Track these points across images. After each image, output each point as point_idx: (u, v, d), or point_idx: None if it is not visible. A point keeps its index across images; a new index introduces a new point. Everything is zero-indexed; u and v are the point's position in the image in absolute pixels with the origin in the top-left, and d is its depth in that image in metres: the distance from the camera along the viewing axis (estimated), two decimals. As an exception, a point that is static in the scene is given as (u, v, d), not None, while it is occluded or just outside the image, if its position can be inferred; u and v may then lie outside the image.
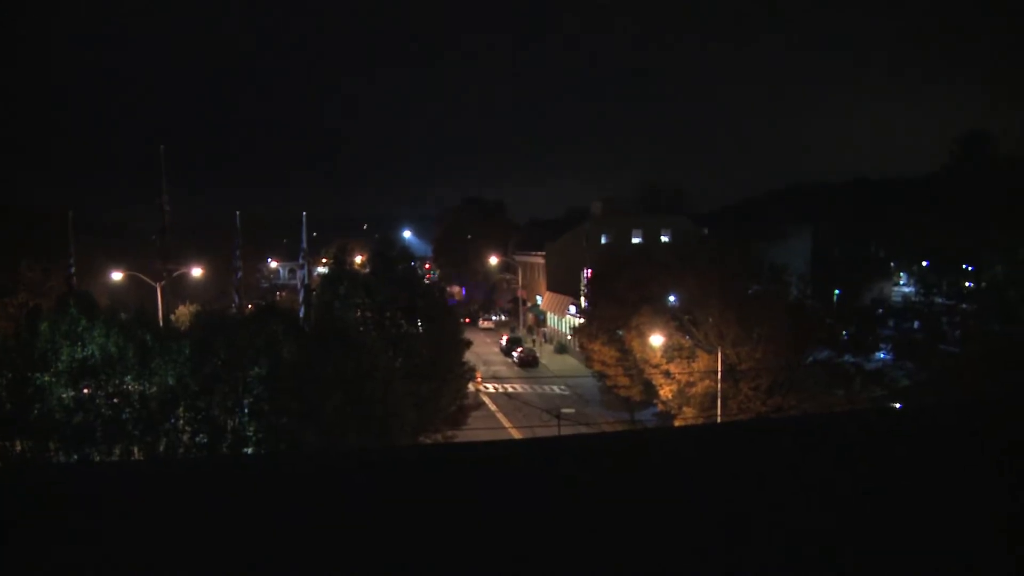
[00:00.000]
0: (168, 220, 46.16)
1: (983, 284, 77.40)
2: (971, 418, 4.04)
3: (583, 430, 41.51)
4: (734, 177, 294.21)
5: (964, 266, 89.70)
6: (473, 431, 40.92)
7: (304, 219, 45.00)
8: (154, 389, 20.59)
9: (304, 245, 44.28)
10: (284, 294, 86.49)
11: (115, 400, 20.09)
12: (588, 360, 55.35)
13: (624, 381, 49.65)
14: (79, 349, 20.77)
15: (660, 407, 46.19)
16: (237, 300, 44.44)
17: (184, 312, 40.48)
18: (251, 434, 21.29)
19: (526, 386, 63.40)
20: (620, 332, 49.52)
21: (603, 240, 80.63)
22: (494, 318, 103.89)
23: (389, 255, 43.93)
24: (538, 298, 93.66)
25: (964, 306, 66.19)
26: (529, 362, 73.40)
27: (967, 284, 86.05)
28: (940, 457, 3.32)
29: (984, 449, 3.38)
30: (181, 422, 20.59)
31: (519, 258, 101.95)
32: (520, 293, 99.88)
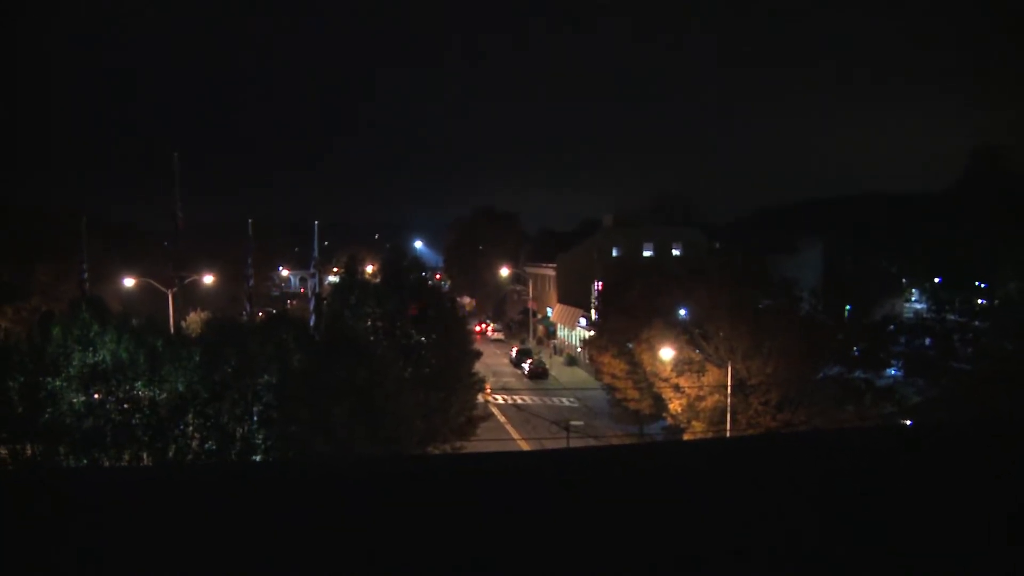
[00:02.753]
0: (180, 226, 46.45)
1: (996, 301, 76.98)
2: (982, 436, 4.03)
3: (592, 443, 41.47)
4: (746, 190, 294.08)
5: (977, 283, 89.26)
6: (482, 442, 40.87)
7: (316, 228, 45.21)
8: (164, 395, 20.66)
9: (315, 254, 44.51)
10: (295, 302, 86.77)
11: (125, 405, 20.15)
12: (598, 373, 55.21)
13: (634, 394, 49.51)
14: (90, 354, 20.90)
15: (669, 421, 46.03)
16: (248, 308, 44.64)
17: (195, 319, 40.69)
18: (260, 442, 21.34)
19: (535, 398, 63.32)
20: (630, 345, 49.42)
21: (614, 252, 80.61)
22: (500, 326, 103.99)
23: (400, 265, 44.04)
24: (548, 310, 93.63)
25: (976, 323, 65.82)
26: (539, 374, 73.29)
27: (980, 301, 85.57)
28: (950, 474, 3.30)
29: (995, 467, 3.36)
30: (190, 428, 20.63)
31: (530, 269, 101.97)
32: (531, 304, 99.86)
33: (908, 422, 34.41)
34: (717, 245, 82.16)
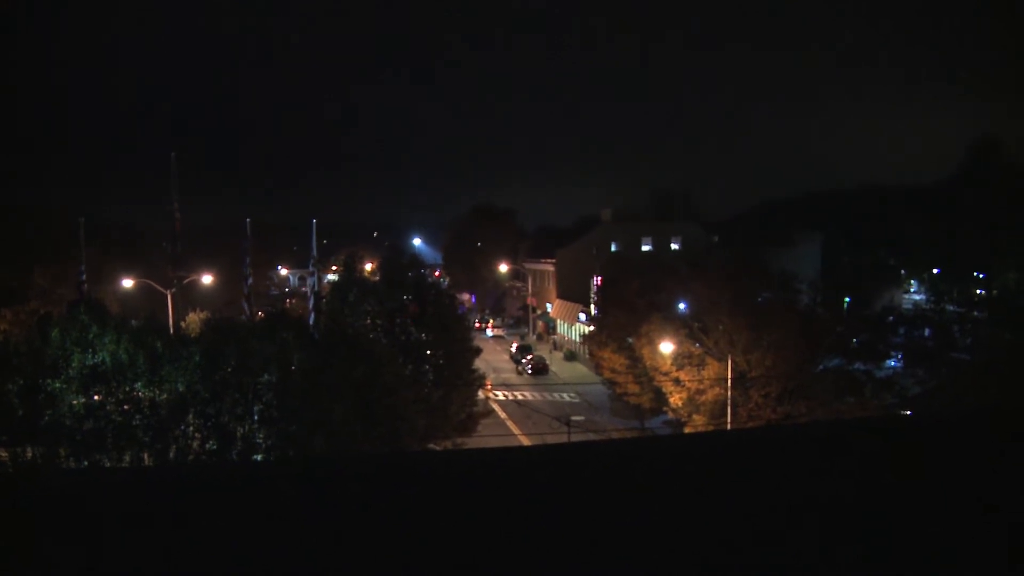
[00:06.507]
0: (178, 227, 46.31)
1: (995, 291, 76.96)
2: (982, 426, 4.02)
3: (593, 438, 41.45)
4: (744, 185, 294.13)
5: (975, 273, 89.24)
6: (483, 438, 40.89)
7: (314, 226, 45.12)
8: (164, 396, 20.62)
9: (314, 253, 44.40)
10: (294, 301, 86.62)
11: (125, 407, 20.13)
12: (598, 368, 55.23)
13: (634, 389, 49.53)
14: (90, 356, 20.84)
15: (670, 415, 46.07)
16: (247, 307, 44.55)
17: (194, 319, 40.63)
18: (260, 441, 21.34)
19: (536, 393, 63.34)
20: (630, 339, 49.42)
21: (613, 247, 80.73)
22: (499, 322, 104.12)
23: (399, 262, 43.99)
24: (548, 305, 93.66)
25: (976, 313, 65.88)
26: (539, 369, 73.37)
27: (979, 291, 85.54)
28: (950, 465, 3.30)
29: (996, 457, 3.36)
30: (191, 429, 20.64)
31: (529, 265, 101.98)
32: (530, 300, 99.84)
33: (908, 413, 34.44)
34: (716, 239, 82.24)
